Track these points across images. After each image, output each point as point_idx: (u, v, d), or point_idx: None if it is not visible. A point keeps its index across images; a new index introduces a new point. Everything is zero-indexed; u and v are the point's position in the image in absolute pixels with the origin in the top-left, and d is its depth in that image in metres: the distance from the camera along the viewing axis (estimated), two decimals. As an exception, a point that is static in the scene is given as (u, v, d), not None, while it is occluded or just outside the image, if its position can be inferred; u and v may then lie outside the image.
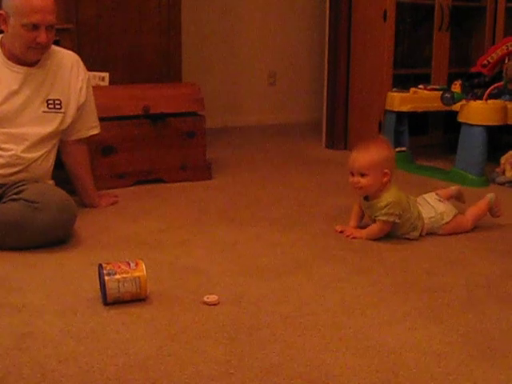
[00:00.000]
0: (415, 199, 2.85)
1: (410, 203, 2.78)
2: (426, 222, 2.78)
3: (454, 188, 3.09)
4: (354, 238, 2.78)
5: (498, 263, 2.52)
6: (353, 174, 2.75)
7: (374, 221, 2.78)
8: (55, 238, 2.62)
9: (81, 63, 3.02)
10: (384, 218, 2.71)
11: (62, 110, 2.92)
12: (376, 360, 1.76)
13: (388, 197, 2.71)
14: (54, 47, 2.95)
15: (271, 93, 6.08)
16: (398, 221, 2.71)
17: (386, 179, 2.72)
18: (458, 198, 3.07)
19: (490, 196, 2.96)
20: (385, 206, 2.70)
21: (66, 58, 2.97)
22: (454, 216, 2.84)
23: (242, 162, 4.35)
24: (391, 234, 2.78)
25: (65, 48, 3.07)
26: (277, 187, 3.69)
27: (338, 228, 2.86)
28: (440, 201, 2.87)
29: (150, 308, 2.08)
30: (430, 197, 2.89)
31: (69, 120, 2.96)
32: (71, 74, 2.96)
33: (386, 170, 2.71)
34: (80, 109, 3.01)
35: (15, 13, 2.67)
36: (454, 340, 1.88)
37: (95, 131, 3.16)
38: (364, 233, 2.79)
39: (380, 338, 1.89)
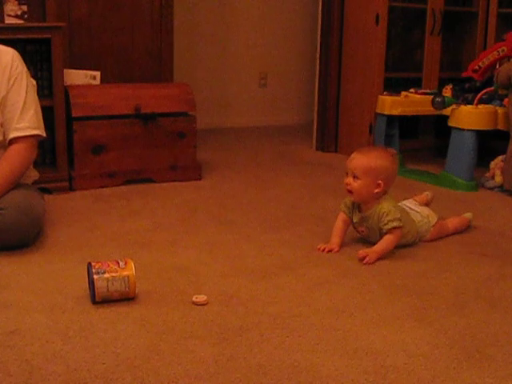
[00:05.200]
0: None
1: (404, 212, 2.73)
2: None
3: (428, 193, 3.04)
4: (367, 262, 2.52)
5: (486, 267, 2.53)
6: (347, 174, 2.66)
7: (375, 232, 2.67)
8: (15, 241, 2.54)
9: (16, 58, 2.75)
10: (394, 225, 2.59)
11: None
12: (364, 362, 1.77)
13: (384, 206, 2.61)
14: None
15: (262, 94, 6.08)
16: (401, 224, 2.61)
17: (377, 190, 2.61)
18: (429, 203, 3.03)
19: (468, 216, 3.02)
20: (385, 215, 2.59)
21: (4, 55, 2.74)
22: (438, 219, 2.86)
23: (232, 163, 4.35)
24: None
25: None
26: (267, 189, 3.69)
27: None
28: (421, 205, 2.89)
29: (138, 307, 2.08)
30: (411, 203, 2.88)
31: None
32: (7, 71, 2.71)
33: (380, 182, 2.59)
34: (2, 103, 2.72)
35: None
36: (441, 343, 1.89)
37: (15, 134, 2.71)
38: (376, 253, 2.56)
39: (368, 339, 1.90)
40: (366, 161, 2.61)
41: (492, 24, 4.68)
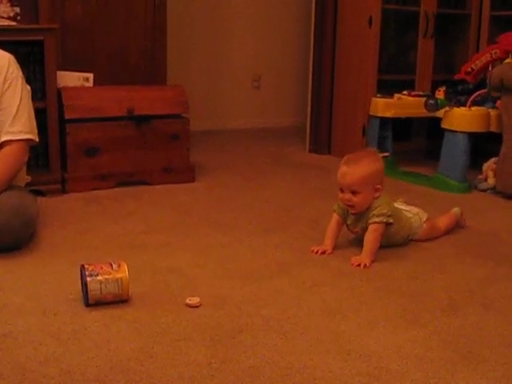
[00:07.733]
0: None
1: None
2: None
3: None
4: (364, 266, 2.50)
5: (479, 269, 2.54)
6: (342, 190, 2.60)
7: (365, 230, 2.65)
8: (8, 243, 2.52)
9: (12, 62, 2.76)
10: (378, 220, 2.58)
11: None
12: (357, 363, 1.77)
13: (375, 202, 2.60)
14: None
15: (256, 97, 6.08)
16: (391, 221, 2.61)
17: (377, 194, 2.60)
18: None
19: (456, 211, 3.02)
20: (373, 209, 2.59)
21: (0, 59, 2.74)
22: (427, 218, 2.86)
23: (225, 166, 4.34)
24: (389, 243, 2.69)
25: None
26: (260, 191, 3.69)
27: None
28: (409, 204, 2.90)
29: (131, 309, 2.07)
30: (398, 203, 2.87)
31: None
32: (2, 74, 2.72)
33: (378, 186, 2.60)
34: None
35: None
36: (434, 344, 1.89)
37: (8, 137, 2.70)
38: (367, 255, 2.55)
39: (361, 341, 1.90)
40: (360, 172, 2.56)
41: (485, 26, 4.70)
